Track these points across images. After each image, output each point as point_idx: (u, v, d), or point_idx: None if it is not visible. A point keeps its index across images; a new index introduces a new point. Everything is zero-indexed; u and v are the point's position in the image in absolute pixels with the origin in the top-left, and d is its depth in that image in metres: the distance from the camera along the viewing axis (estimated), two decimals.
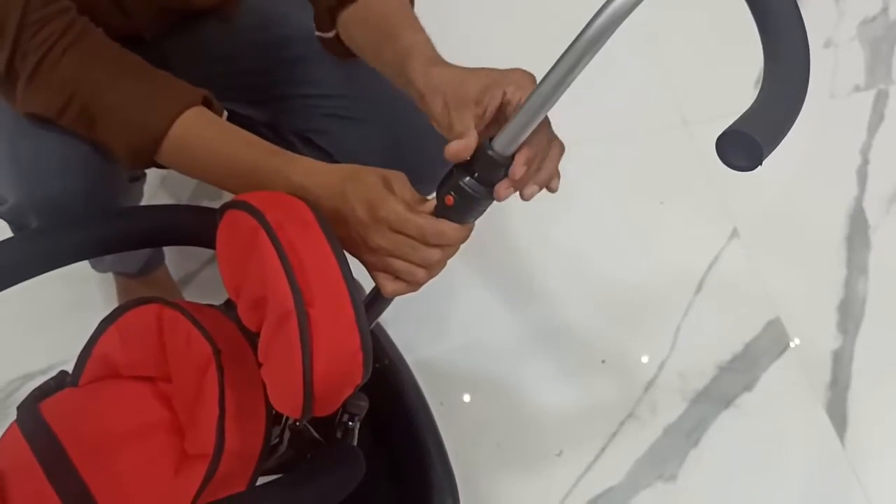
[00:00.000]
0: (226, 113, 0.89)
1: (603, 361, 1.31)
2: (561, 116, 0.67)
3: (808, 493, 1.21)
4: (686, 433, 1.25)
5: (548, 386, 1.28)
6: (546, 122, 0.67)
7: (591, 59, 0.58)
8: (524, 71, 0.69)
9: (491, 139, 0.64)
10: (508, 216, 1.40)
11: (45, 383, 0.83)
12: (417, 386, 1.02)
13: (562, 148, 0.70)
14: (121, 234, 0.79)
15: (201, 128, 0.82)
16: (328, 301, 0.64)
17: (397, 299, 0.73)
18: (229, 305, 0.80)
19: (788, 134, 0.55)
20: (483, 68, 0.71)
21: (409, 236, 0.68)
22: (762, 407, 1.28)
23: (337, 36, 0.92)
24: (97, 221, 0.79)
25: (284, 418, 0.79)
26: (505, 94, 0.67)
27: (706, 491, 1.21)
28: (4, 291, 0.75)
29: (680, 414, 1.27)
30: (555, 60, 0.59)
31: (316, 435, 0.79)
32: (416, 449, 0.98)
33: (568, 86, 0.59)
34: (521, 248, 1.40)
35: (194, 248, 1.14)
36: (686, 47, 1.61)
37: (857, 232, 1.45)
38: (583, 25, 0.57)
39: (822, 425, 1.26)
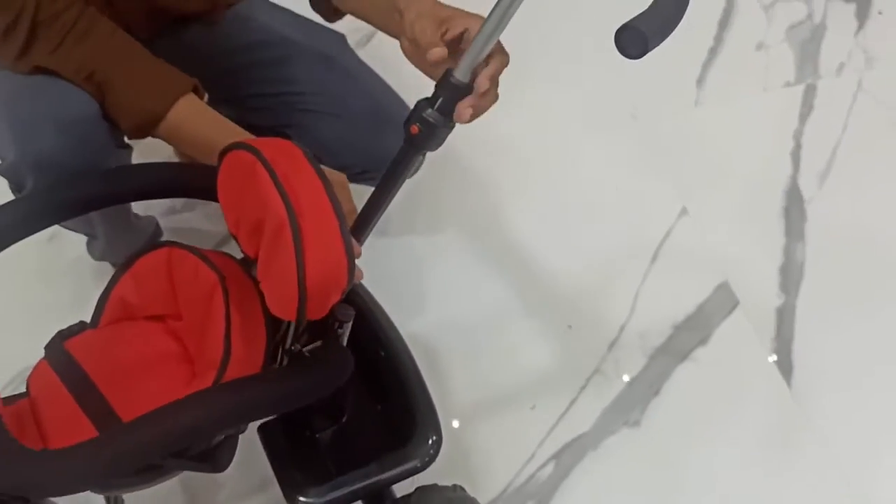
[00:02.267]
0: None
1: (569, 326, 1.43)
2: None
3: (761, 431, 1.33)
4: (648, 384, 1.37)
5: (520, 350, 1.40)
6: (498, 47, 0.79)
7: None
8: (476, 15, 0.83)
9: (451, 71, 0.77)
10: (475, 196, 1.53)
11: (69, 328, 0.94)
12: (401, 337, 1.13)
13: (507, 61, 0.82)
14: (136, 185, 0.92)
15: (190, 112, 0.97)
16: (316, 215, 0.76)
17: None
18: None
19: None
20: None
21: None
22: (716, 359, 1.40)
23: None
24: (113, 173, 0.92)
25: (281, 342, 0.91)
26: (467, 29, 0.81)
27: (668, 434, 1.32)
28: None
29: (641, 368, 1.39)
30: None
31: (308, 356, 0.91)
32: (403, 393, 1.08)
33: (512, 15, 0.72)
34: (488, 228, 1.53)
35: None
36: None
37: (794, 205, 1.60)
38: None
39: (771, 372, 1.39)
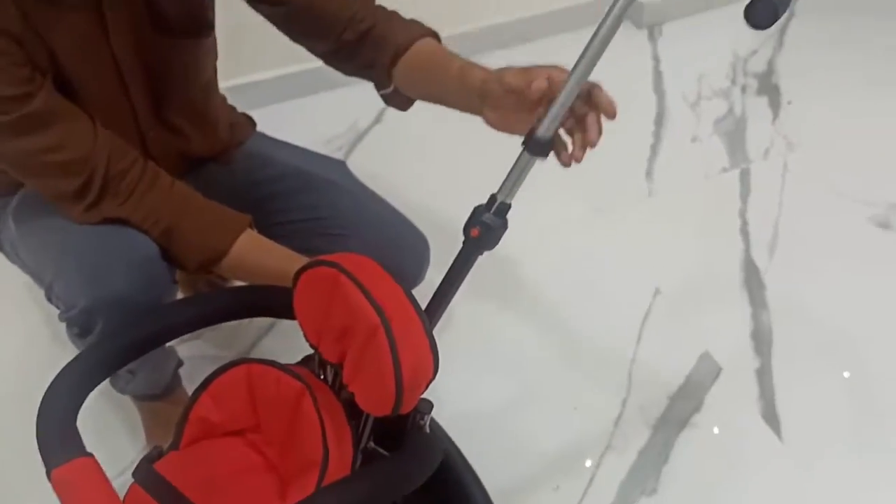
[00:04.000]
0: None
1: (575, 408, 1.54)
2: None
3: (762, 481, 1.44)
4: (656, 453, 1.47)
5: (534, 436, 1.49)
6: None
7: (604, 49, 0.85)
8: (558, 66, 0.93)
9: (534, 129, 0.88)
10: (471, 295, 1.65)
11: (149, 452, 0.98)
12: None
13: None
14: (222, 308, 1.00)
15: (251, 246, 1.07)
16: (402, 316, 0.86)
17: None
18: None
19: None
20: None
21: None
22: (712, 422, 1.52)
23: (395, 89, 1.16)
24: (202, 299, 0.99)
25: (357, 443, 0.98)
26: (549, 75, 0.91)
27: (684, 498, 1.42)
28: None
29: (647, 439, 1.50)
30: None
31: (384, 453, 0.98)
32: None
33: (590, 72, 0.85)
34: (483, 323, 1.64)
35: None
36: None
37: (752, 276, 1.78)
38: None
39: (762, 428, 1.51)
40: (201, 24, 1.17)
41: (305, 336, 0.95)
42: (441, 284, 0.96)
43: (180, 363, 1.41)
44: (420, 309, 0.88)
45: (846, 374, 1.59)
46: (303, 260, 1.05)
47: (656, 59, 2.37)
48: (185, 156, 1.28)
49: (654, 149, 2.08)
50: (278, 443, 0.97)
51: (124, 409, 1.45)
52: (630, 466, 1.46)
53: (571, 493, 1.42)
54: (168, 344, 1.37)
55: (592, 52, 0.86)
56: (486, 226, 0.91)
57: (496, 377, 1.58)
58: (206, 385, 0.99)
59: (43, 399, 0.85)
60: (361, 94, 1.34)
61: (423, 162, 2.00)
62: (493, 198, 0.92)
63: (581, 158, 0.91)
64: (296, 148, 1.44)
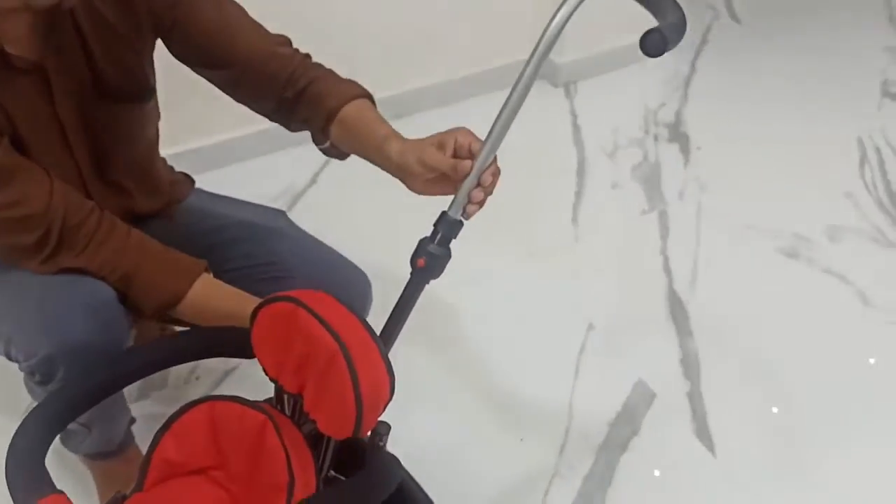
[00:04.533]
0: None
1: (521, 440, 1.60)
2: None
3: (700, 495, 1.52)
4: (600, 478, 1.54)
5: (483, 470, 1.54)
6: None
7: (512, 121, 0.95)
8: (463, 128, 1.04)
9: (445, 212, 0.98)
10: (418, 344, 1.71)
11: (112, 497, 1.01)
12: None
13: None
14: (182, 350, 1.03)
15: (208, 290, 1.12)
16: (358, 341, 0.92)
17: None
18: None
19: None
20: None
21: None
22: (649, 445, 1.61)
23: (331, 143, 1.23)
24: (162, 342, 1.03)
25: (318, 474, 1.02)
26: (456, 140, 1.02)
27: None
28: None
29: (591, 465, 1.57)
30: None
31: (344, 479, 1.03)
32: None
33: (495, 150, 0.96)
34: (429, 365, 1.70)
35: None
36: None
37: (677, 307, 1.90)
38: None
39: (696, 446, 1.60)
40: (142, 90, 1.22)
41: (265, 370, 1.00)
42: (392, 313, 1.03)
43: (133, 420, 1.42)
44: (375, 334, 0.94)
45: (767, 389, 1.71)
46: (257, 301, 1.11)
47: (574, 115, 2.53)
48: (130, 212, 1.32)
49: (578, 196, 2.21)
50: (243, 477, 1.00)
51: (76, 473, 1.45)
52: (577, 492, 1.52)
53: None
54: (121, 399, 1.41)
55: (501, 125, 0.98)
56: (431, 255, 0.99)
57: (443, 418, 1.63)
58: (168, 425, 1.02)
59: (12, 440, 0.87)
60: (295, 158, 1.40)
61: (359, 218, 2.07)
62: (436, 229, 1.00)
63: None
64: (235, 200, 1.50)
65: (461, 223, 1.00)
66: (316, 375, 0.93)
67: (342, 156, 1.29)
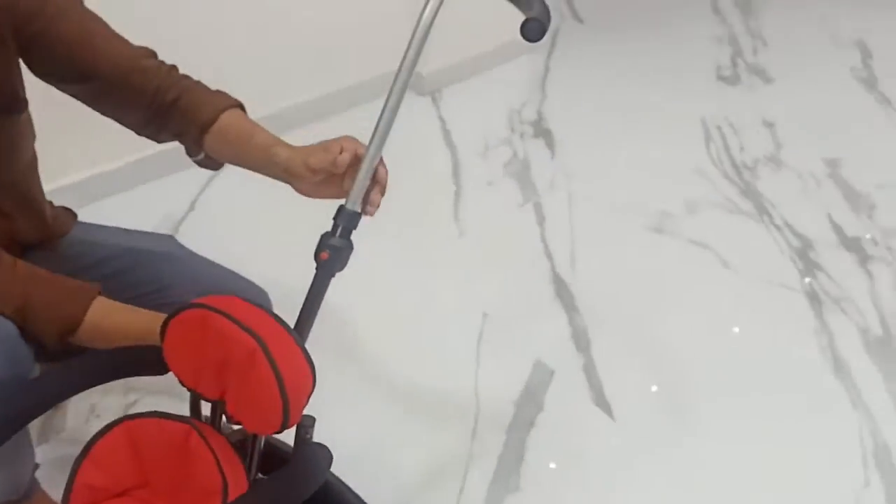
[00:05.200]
0: None
1: (434, 430, 1.65)
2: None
3: (605, 457, 1.62)
4: (513, 454, 1.62)
5: (402, 462, 1.58)
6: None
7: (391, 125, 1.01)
8: (348, 136, 1.10)
9: (343, 205, 1.02)
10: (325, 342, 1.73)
11: None
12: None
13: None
14: (90, 373, 1.01)
15: (105, 311, 1.11)
16: (275, 336, 0.94)
17: None
18: None
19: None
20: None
21: None
22: (554, 417, 1.69)
23: (205, 155, 1.24)
24: (68, 367, 1.01)
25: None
26: (342, 146, 1.07)
27: (543, 486, 1.57)
28: None
29: (503, 444, 1.64)
30: None
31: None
32: None
33: (382, 147, 1.01)
34: (343, 363, 1.72)
35: None
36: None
37: (562, 288, 2.01)
38: None
39: (597, 413, 1.71)
40: (13, 99, 1.18)
41: (181, 381, 1.00)
42: (302, 309, 1.05)
43: (37, 466, 1.37)
44: (289, 326, 0.97)
45: (652, 354, 1.84)
46: (158, 315, 1.10)
47: (442, 120, 2.62)
48: (12, 238, 1.27)
49: (457, 196, 2.29)
50: (171, 490, 0.99)
51: None
52: (493, 472, 1.59)
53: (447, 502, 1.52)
54: (26, 439, 1.35)
55: (384, 124, 1.04)
56: (334, 248, 1.03)
57: (355, 419, 1.65)
58: (86, 451, 1.00)
59: None
60: (171, 186, 1.40)
61: (243, 235, 2.07)
62: (336, 223, 1.04)
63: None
64: (120, 229, 1.47)
65: (359, 214, 1.04)
66: (236, 376, 0.95)
67: (216, 166, 1.30)
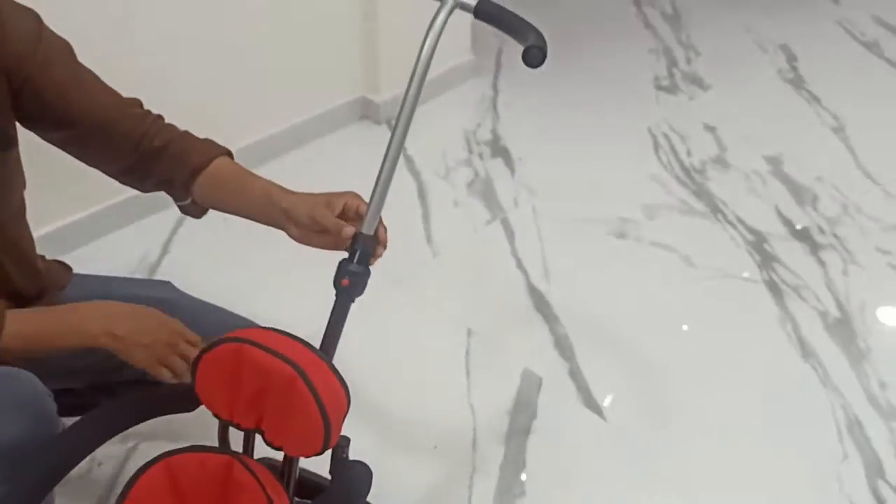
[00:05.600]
0: None
1: (435, 447, 1.69)
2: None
3: (599, 455, 1.69)
4: (514, 463, 1.67)
5: (405, 481, 1.61)
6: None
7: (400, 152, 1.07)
8: (352, 192, 1.15)
9: (359, 231, 1.07)
10: None
11: None
12: None
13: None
14: (116, 420, 1.03)
15: (23, 319, 1.10)
16: (311, 363, 0.98)
17: None
18: None
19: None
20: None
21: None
22: (548, 422, 1.76)
23: (192, 201, 1.26)
24: (95, 416, 1.02)
25: None
26: (345, 203, 1.12)
27: (547, 489, 1.62)
28: None
29: (503, 453, 1.69)
30: None
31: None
32: None
33: (393, 171, 1.06)
34: None
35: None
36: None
37: (539, 299, 2.08)
38: None
39: (588, 415, 1.78)
40: (2, 135, 1.17)
41: (216, 414, 1.03)
42: (325, 334, 1.09)
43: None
44: (319, 351, 1.01)
45: (632, 353, 1.93)
46: (70, 306, 1.12)
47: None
48: (5, 289, 1.26)
49: (426, 218, 2.35)
50: None
51: None
52: (497, 481, 1.63)
53: None
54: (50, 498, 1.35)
55: (386, 174, 1.10)
56: (353, 274, 1.07)
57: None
58: (125, 495, 1.02)
59: None
60: (144, 230, 1.40)
61: (217, 274, 2.08)
62: (353, 249, 1.08)
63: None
64: (118, 278, 1.48)
65: (374, 238, 1.09)
66: (275, 404, 0.98)
67: (200, 213, 1.33)
